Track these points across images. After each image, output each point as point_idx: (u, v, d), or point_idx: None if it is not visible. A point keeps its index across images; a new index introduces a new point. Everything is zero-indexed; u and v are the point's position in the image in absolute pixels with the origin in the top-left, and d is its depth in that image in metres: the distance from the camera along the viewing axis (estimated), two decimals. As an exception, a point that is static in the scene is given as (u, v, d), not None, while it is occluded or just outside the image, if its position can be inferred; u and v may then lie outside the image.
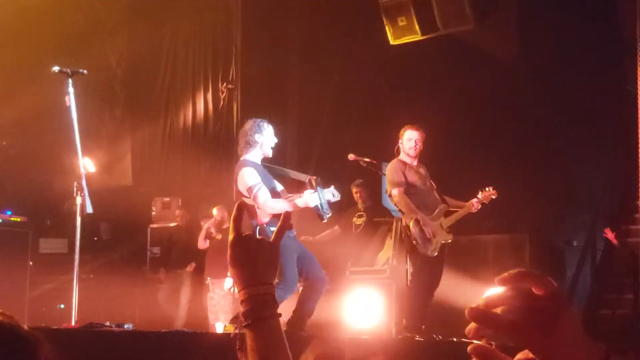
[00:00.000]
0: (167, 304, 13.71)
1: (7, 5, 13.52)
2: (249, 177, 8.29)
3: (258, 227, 8.29)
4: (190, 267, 13.86)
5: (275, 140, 8.58)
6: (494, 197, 9.80)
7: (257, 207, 8.30)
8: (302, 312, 8.42)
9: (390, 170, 9.70)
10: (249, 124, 8.60)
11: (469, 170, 11.91)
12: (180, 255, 13.87)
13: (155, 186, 15.08)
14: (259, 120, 8.60)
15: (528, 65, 12.57)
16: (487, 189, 9.86)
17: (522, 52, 12.59)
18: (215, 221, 13.16)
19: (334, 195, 8.56)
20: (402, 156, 9.79)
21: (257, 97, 14.45)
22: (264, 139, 8.49)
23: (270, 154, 8.57)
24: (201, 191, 14.17)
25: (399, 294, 10.28)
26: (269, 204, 8.24)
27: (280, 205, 8.23)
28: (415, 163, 9.77)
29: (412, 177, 9.64)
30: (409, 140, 9.76)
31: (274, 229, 7.57)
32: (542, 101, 12.54)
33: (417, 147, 9.73)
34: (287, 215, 2.22)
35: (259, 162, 8.53)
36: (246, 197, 8.30)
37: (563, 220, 12.69)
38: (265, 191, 8.25)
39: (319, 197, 8.30)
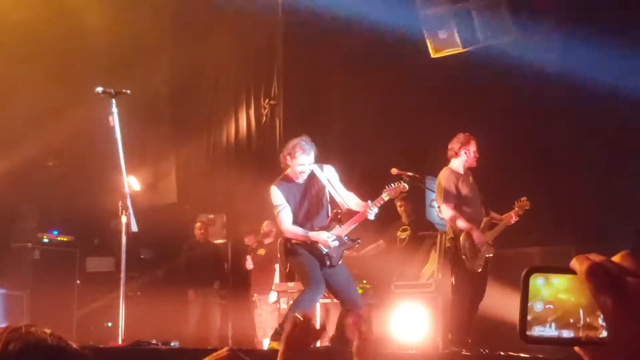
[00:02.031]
0: (197, 325, 13.59)
1: (51, 28, 13.68)
2: (274, 197, 8.66)
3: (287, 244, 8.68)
4: (216, 285, 13.82)
5: (304, 170, 8.65)
6: (527, 207, 9.76)
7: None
8: (343, 330, 8.50)
9: (442, 182, 9.64)
10: (291, 144, 8.72)
11: (513, 181, 11.83)
12: (203, 272, 13.76)
13: (200, 203, 15.14)
14: (298, 144, 8.66)
15: (570, 75, 12.47)
16: (521, 199, 9.82)
17: (563, 62, 12.49)
18: (254, 244, 13.20)
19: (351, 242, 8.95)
20: (456, 166, 9.73)
21: (299, 112, 14.49)
22: (292, 165, 8.65)
23: (299, 180, 8.70)
24: (245, 207, 14.19)
25: (445, 308, 10.24)
26: (284, 226, 8.68)
27: (296, 232, 8.66)
28: (465, 172, 9.74)
29: (465, 189, 9.60)
30: (475, 152, 9.73)
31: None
32: (586, 111, 12.42)
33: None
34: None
35: (296, 179, 8.69)
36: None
37: (609, 230, 12.54)
38: (287, 214, 8.62)
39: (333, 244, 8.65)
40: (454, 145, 9.77)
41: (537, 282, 1.33)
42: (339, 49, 14.37)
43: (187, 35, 15.79)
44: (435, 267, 10.96)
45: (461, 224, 9.41)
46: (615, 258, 1.29)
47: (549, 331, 1.28)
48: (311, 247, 8.63)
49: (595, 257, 1.30)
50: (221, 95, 16.16)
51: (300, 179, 8.67)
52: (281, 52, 14.95)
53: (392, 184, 8.88)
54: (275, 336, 8.45)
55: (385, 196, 8.77)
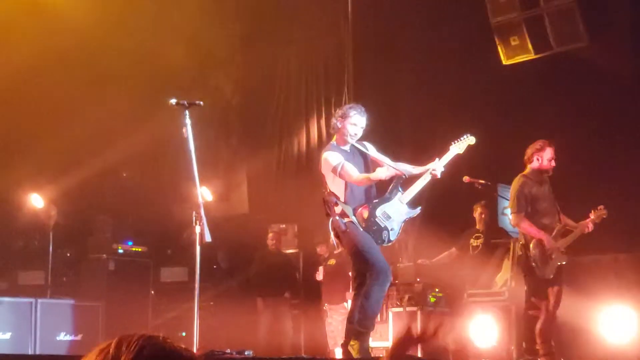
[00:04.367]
0: (268, 335, 13.61)
1: (122, 41, 13.90)
2: (332, 159, 8.26)
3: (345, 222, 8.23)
4: (287, 295, 13.86)
5: (357, 130, 8.41)
6: (604, 216, 9.61)
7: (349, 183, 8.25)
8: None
9: (515, 190, 9.55)
10: (343, 108, 8.57)
11: (587, 187, 11.68)
12: (275, 281, 13.79)
13: (271, 213, 15.18)
14: (348, 106, 8.58)
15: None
16: (598, 207, 9.67)
17: (638, 68, 12.30)
18: (325, 255, 13.19)
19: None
20: (530, 172, 9.63)
21: (369, 122, 14.45)
22: (343, 126, 8.37)
23: (349, 141, 8.41)
24: (317, 217, 14.19)
25: (518, 317, 10.15)
26: (355, 177, 8.18)
27: (360, 178, 8.19)
28: (539, 178, 9.63)
29: (538, 196, 9.49)
30: (550, 159, 9.61)
31: (344, 207, 7.29)
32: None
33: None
34: None
35: (345, 147, 8.43)
36: (327, 182, 8.32)
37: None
38: (350, 166, 8.19)
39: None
40: (528, 151, 9.68)
41: None
42: (410, 57, 14.33)
43: (257, 46, 15.89)
44: (509, 276, 10.87)
45: (533, 231, 9.31)
46: None
47: None
48: (369, 221, 8.20)
49: None
50: (292, 106, 16.21)
51: (349, 140, 8.38)
52: (351, 62, 14.95)
53: (459, 139, 8.69)
54: (345, 346, 8.28)
55: (452, 151, 8.62)
